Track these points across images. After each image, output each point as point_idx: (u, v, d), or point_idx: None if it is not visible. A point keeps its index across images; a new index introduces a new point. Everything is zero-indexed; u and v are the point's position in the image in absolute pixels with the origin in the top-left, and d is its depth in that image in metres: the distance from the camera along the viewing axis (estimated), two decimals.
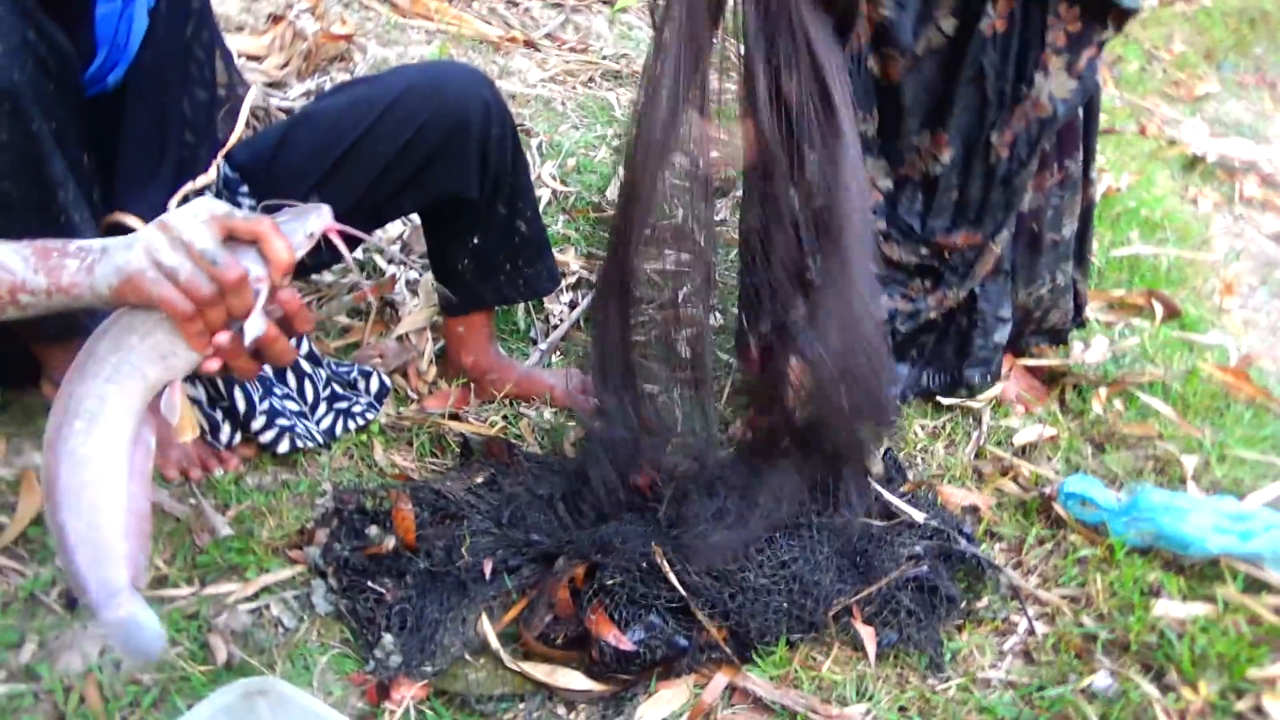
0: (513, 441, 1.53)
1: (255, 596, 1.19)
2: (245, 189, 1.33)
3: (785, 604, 1.19)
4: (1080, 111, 1.54)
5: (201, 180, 1.22)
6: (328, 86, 2.58)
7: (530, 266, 1.60)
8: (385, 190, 1.41)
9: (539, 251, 1.60)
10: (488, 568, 1.29)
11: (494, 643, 1.18)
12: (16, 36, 0.98)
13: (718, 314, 1.55)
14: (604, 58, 3.58)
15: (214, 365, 0.86)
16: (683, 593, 1.17)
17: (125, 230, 1.06)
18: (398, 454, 1.50)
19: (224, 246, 0.82)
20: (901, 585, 1.23)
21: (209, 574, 1.20)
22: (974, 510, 1.42)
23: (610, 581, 1.20)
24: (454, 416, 1.60)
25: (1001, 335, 1.65)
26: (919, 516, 1.32)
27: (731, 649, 1.17)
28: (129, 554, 0.78)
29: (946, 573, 1.27)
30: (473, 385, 1.69)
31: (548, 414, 1.68)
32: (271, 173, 1.33)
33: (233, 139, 1.29)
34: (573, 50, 3.66)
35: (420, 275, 1.94)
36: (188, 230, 0.81)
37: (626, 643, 1.14)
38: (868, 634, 1.18)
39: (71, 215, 1.05)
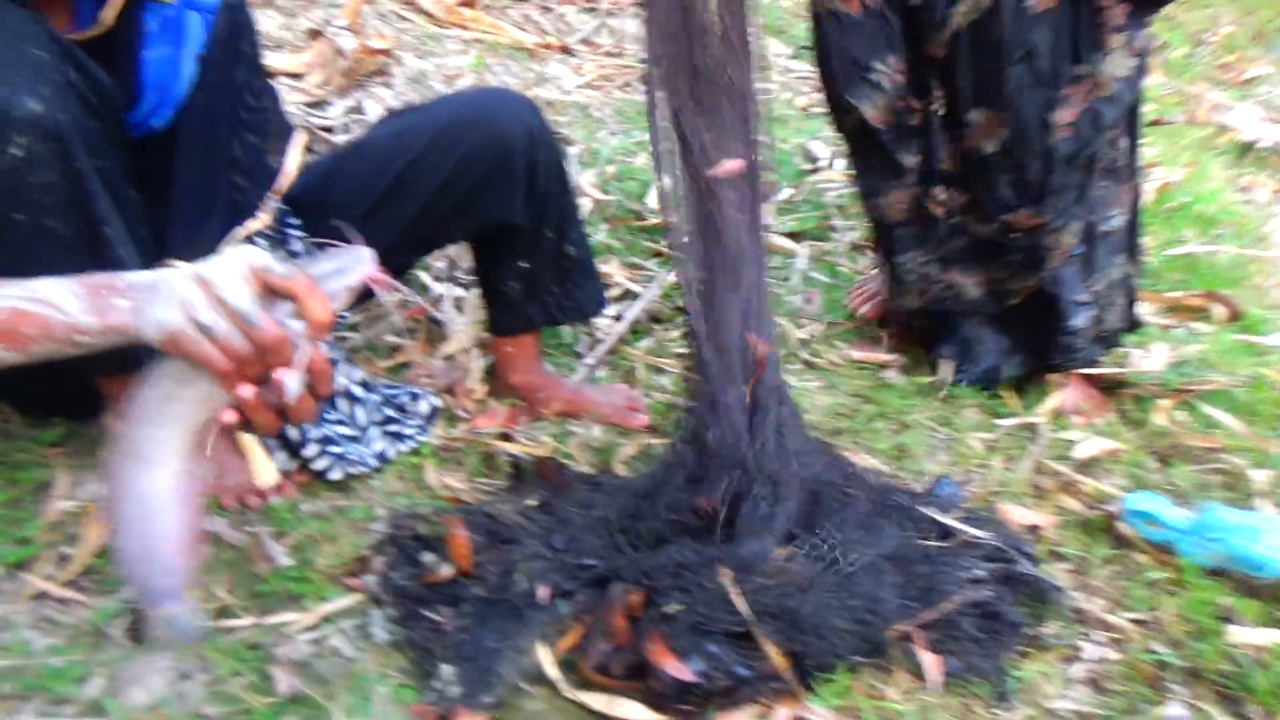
0: (563, 462, 1.53)
1: (315, 626, 1.20)
2: (295, 220, 1.34)
3: (848, 625, 1.17)
4: None
5: (254, 224, 1.23)
6: (366, 103, 2.60)
7: (579, 289, 1.60)
8: (433, 220, 1.41)
9: (586, 274, 1.60)
10: (541, 593, 1.28)
11: (552, 672, 1.17)
12: (60, 77, 0.99)
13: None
14: (640, 62, 3.58)
15: (230, 417, 0.85)
16: (747, 618, 1.16)
17: None
18: (449, 475, 1.51)
19: (262, 303, 0.81)
20: (964, 610, 1.20)
21: (268, 603, 1.21)
22: (1035, 529, 1.39)
23: (668, 609, 1.19)
24: (504, 436, 1.60)
25: (1081, 319, 1.64)
26: (979, 536, 1.29)
27: (793, 677, 1.15)
28: (177, 567, 0.86)
29: (1010, 596, 1.24)
30: (522, 403, 1.69)
31: (597, 431, 1.67)
32: (321, 204, 1.33)
33: (283, 181, 1.30)
34: (608, 55, 3.65)
35: (465, 293, 1.94)
36: (225, 286, 0.80)
37: (687, 673, 1.13)
38: (932, 662, 1.16)
39: (117, 251, 1.06)
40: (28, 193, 0.97)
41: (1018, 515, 1.40)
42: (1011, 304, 1.69)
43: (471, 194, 1.39)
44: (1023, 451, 1.57)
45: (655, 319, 2.04)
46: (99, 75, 1.03)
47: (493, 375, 1.74)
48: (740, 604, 1.17)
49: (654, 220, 2.40)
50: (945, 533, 1.33)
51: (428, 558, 1.28)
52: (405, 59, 2.78)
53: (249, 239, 1.24)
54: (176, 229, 1.18)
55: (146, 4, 1.13)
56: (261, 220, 1.24)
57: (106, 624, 1.14)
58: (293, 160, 1.31)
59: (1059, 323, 1.65)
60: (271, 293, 0.82)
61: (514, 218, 1.44)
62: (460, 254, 2.04)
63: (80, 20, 1.09)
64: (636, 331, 1.99)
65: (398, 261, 1.50)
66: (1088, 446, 1.54)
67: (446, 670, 1.15)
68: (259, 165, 1.26)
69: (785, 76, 3.60)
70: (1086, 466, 1.53)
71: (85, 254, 1.04)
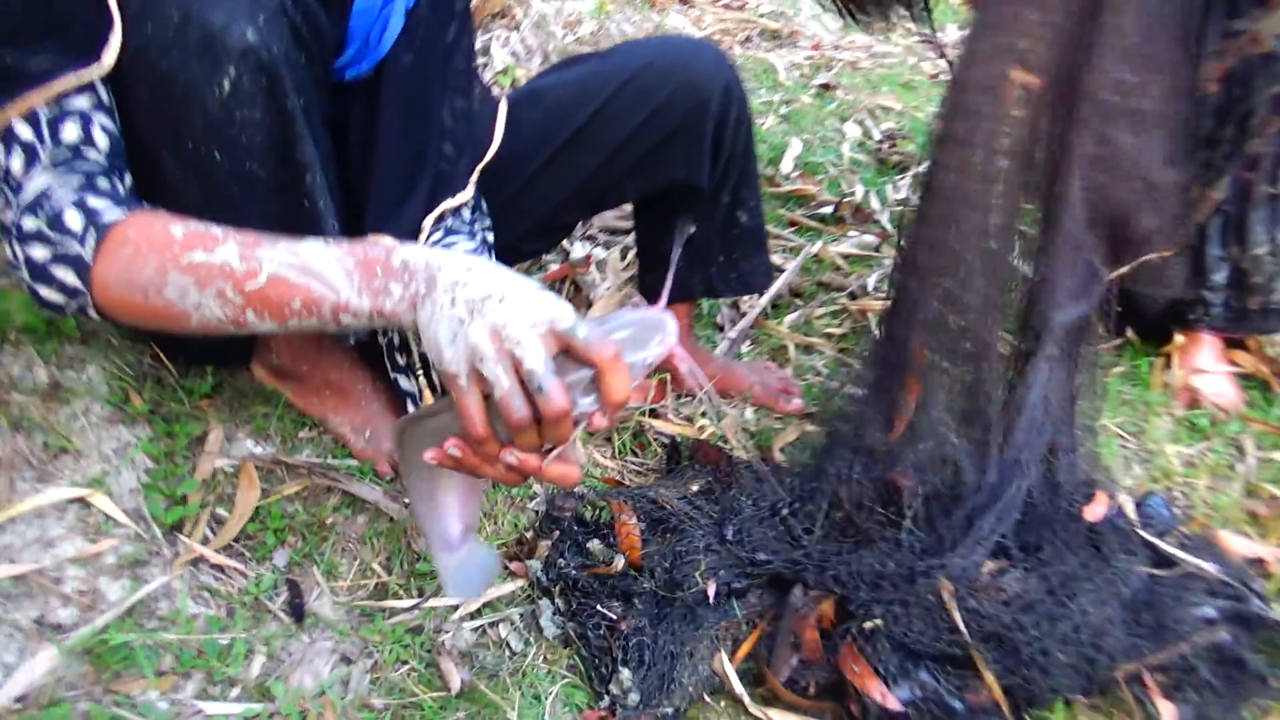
0: (722, 447, 1.42)
1: (479, 613, 1.11)
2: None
3: (1072, 658, 1.05)
4: None
5: (460, 198, 1.11)
6: (493, 45, 2.48)
7: (746, 260, 1.47)
8: (610, 176, 1.29)
9: (757, 245, 1.47)
10: (711, 590, 1.18)
11: (736, 685, 1.07)
12: (273, 3, 0.88)
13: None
14: (761, 16, 3.40)
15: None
16: (968, 641, 1.04)
17: None
18: (598, 452, 1.41)
19: (554, 367, 0.70)
20: (1201, 653, 1.07)
21: (427, 584, 1.12)
22: (1259, 562, 1.25)
23: (869, 623, 1.08)
24: (652, 413, 1.49)
25: (1220, 276, 1.59)
26: (1209, 569, 1.16)
27: (1009, 712, 1.04)
28: (462, 515, 0.83)
29: (1246, 640, 1.11)
30: (668, 378, 1.58)
31: (750, 414, 1.55)
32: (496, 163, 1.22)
33: (490, 152, 1.18)
34: (728, 8, 3.48)
35: (606, 253, 1.83)
36: (521, 343, 0.69)
37: (894, 702, 1.02)
38: (1167, 710, 1.04)
39: (317, 201, 0.95)
40: (231, 130, 0.87)
41: (1238, 545, 1.26)
42: None
43: (657, 150, 1.27)
44: (1228, 470, 1.42)
45: (795, 293, 1.91)
46: (313, 6, 0.91)
47: None
48: (960, 624, 1.05)
49: (790, 187, 2.27)
50: (1160, 559, 1.20)
51: (594, 545, 1.18)
52: (531, 3, 2.65)
53: (453, 213, 1.13)
54: (377, 197, 1.06)
55: None
56: (466, 194, 1.13)
57: (266, 595, 1.06)
58: (500, 130, 1.19)
59: (1197, 276, 1.59)
60: (567, 355, 0.72)
61: (696, 178, 1.31)
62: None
63: None
64: (776, 306, 1.86)
65: (563, 221, 1.39)
66: None
67: (625, 675, 1.05)
68: (467, 134, 1.13)
69: (909, 40, 3.41)
70: None
71: (284, 202, 0.94)
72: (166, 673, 0.95)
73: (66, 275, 0.80)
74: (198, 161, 0.91)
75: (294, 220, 0.94)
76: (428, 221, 1.08)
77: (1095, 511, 1.18)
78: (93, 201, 0.81)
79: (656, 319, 0.78)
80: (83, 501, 1.01)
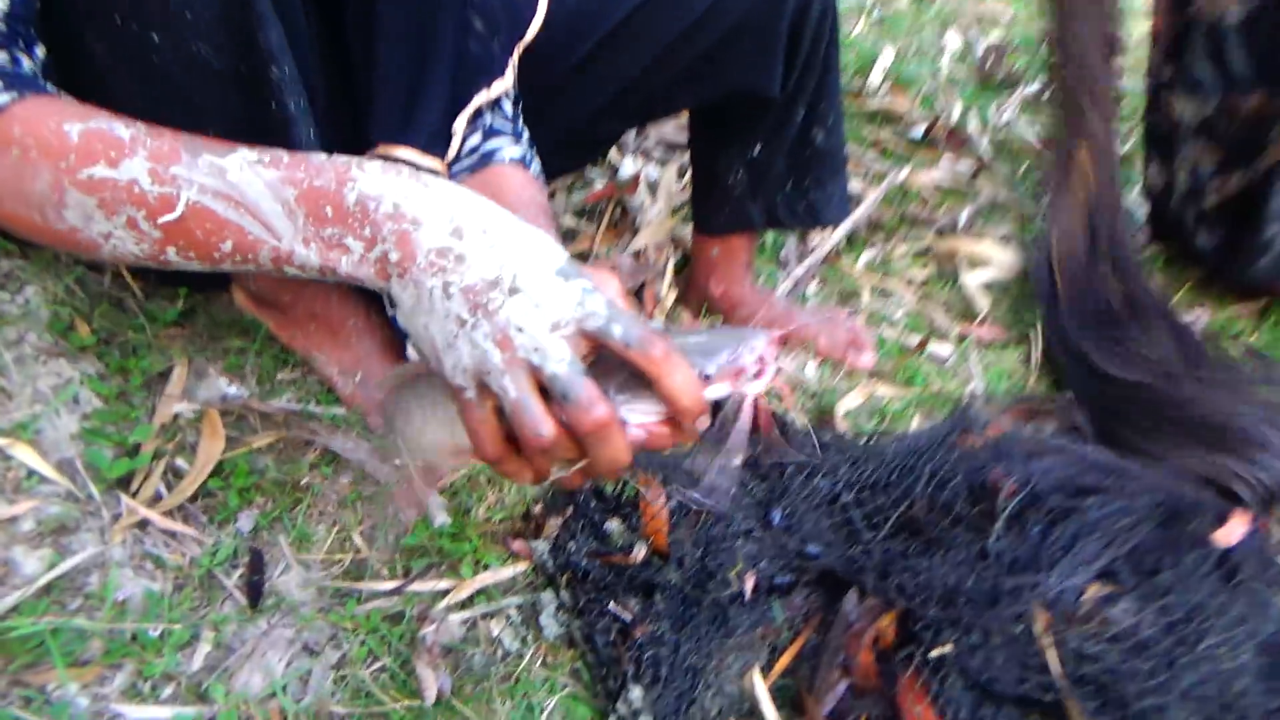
0: (775, 410, 1.21)
1: (470, 602, 0.94)
2: None
3: (1194, 716, 0.84)
4: None
5: (499, 86, 0.89)
6: None
7: (819, 188, 1.24)
8: (661, 80, 1.06)
9: (834, 170, 1.23)
10: (749, 584, 0.99)
11: (769, 712, 0.89)
12: None
13: None
14: None
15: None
16: (1061, 687, 0.84)
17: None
18: None
19: (590, 371, 0.54)
20: None
21: (414, 560, 0.96)
22: None
23: (937, 650, 0.88)
24: None
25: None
26: None
27: None
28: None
29: None
30: (720, 320, 1.38)
31: (811, 370, 1.34)
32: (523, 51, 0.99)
33: (532, 30, 0.95)
34: None
35: (660, 172, 1.61)
36: (540, 349, 0.52)
37: None
38: None
39: (285, 102, 0.75)
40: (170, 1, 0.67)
41: None
42: (1208, 207, 1.45)
43: (717, 50, 1.03)
44: None
45: (876, 227, 1.67)
46: None
47: (686, 279, 1.42)
48: (1054, 663, 0.85)
49: (876, 104, 1.99)
50: None
51: (613, 526, 1.00)
52: None
53: (492, 106, 0.90)
54: (382, 86, 0.83)
55: None
56: (505, 82, 0.90)
57: (221, 569, 0.90)
58: (544, 5, 0.97)
59: (1262, 226, 1.39)
60: (604, 357, 0.55)
61: (765, 87, 1.08)
62: (661, 123, 1.70)
63: None
64: (851, 242, 1.62)
65: (603, 133, 1.17)
66: None
67: (635, 694, 0.87)
68: (504, 5, 0.90)
69: None
70: None
71: (242, 99, 0.74)
72: (91, 662, 0.80)
73: None
74: (129, 42, 0.72)
75: (259, 127, 0.74)
76: (460, 122, 0.86)
77: (1231, 533, 0.95)
78: None
79: (745, 334, 0.59)
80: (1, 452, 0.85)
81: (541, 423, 0.53)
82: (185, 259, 0.59)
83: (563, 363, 0.52)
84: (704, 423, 0.60)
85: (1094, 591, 0.92)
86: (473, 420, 0.56)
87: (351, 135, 0.85)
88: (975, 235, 1.66)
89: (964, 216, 1.68)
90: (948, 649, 0.88)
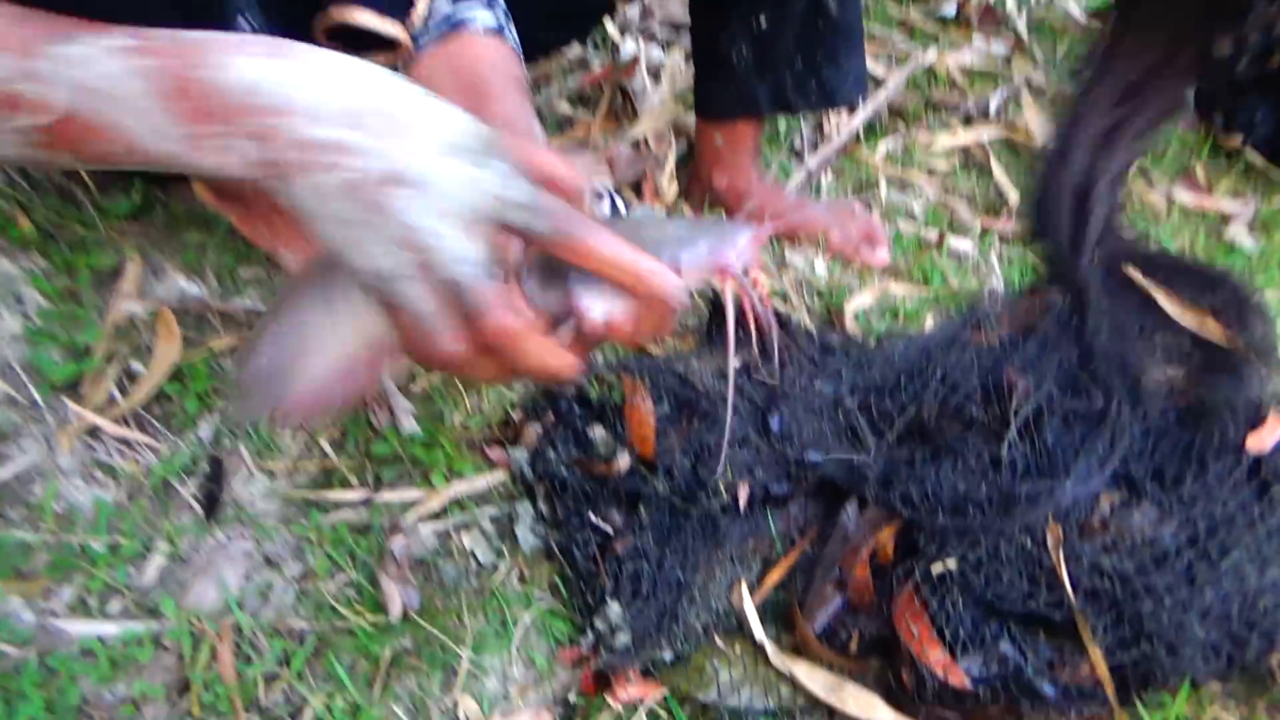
0: (780, 312, 1.13)
1: (442, 513, 0.89)
2: None
3: (1216, 635, 0.78)
4: None
5: None
6: None
7: (831, 64, 1.13)
8: None
9: (849, 44, 1.12)
10: (743, 494, 0.93)
11: (756, 629, 0.83)
12: None
13: None
14: None
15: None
16: (1073, 605, 0.78)
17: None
18: None
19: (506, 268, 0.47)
20: None
21: (384, 469, 0.90)
22: None
23: (939, 565, 0.82)
24: None
25: None
26: None
27: (1113, 697, 0.78)
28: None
29: None
30: (723, 213, 1.28)
31: (821, 266, 1.25)
32: None
33: None
34: None
35: (665, 55, 1.49)
36: (439, 243, 0.45)
37: (960, 676, 0.77)
38: None
39: None
40: None
41: None
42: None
43: None
44: None
45: (898, 114, 1.54)
46: None
47: (689, 171, 1.32)
48: (1064, 576, 0.78)
49: None
50: None
51: (597, 433, 0.94)
52: None
53: None
54: None
55: None
56: None
57: (177, 478, 0.85)
58: None
59: None
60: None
61: None
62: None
63: None
64: (870, 129, 1.51)
65: (587, 5, 1.06)
66: None
67: (614, 610, 0.82)
68: None
69: None
70: None
71: None
72: (35, 575, 0.76)
73: None
74: None
75: None
76: None
77: (1264, 439, 0.87)
78: None
79: (732, 228, 0.54)
80: None
81: (440, 337, 0.46)
82: (78, 162, 0.51)
83: (462, 264, 0.45)
84: (674, 314, 0.53)
85: (1110, 500, 0.84)
86: (397, 326, 0.49)
87: None
88: (1007, 124, 1.53)
89: (994, 102, 1.56)
90: (950, 563, 0.82)
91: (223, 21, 0.70)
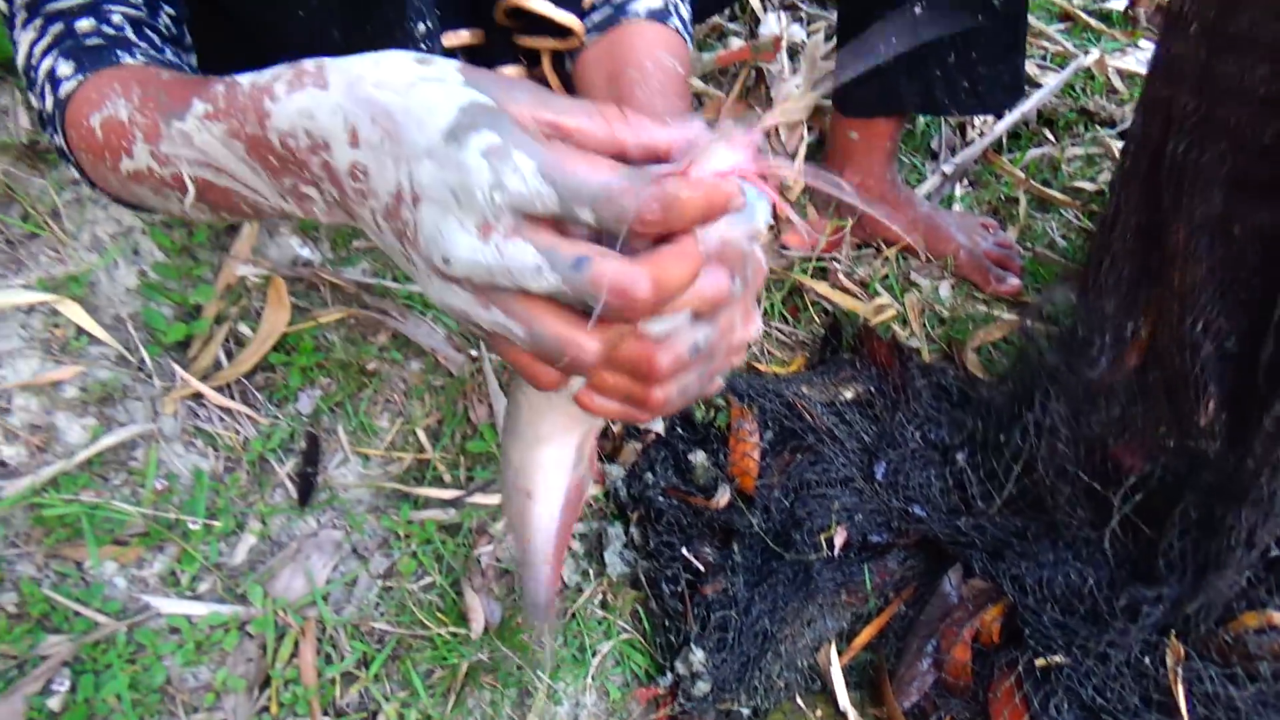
0: (897, 340, 1.07)
1: None
2: None
3: None
4: None
5: None
6: None
7: (987, 64, 1.04)
8: None
9: (1008, 45, 1.03)
10: (839, 539, 0.89)
11: (842, 699, 0.80)
12: None
13: None
14: None
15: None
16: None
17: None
18: None
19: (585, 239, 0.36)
20: None
21: (477, 468, 0.88)
22: None
23: (1045, 660, 0.77)
24: (820, 270, 1.14)
25: None
26: None
27: None
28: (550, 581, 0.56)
29: None
30: (851, 221, 1.21)
31: (946, 290, 1.18)
32: None
33: None
34: None
35: (806, 34, 1.40)
36: (488, 265, 0.35)
37: None
38: None
39: None
40: None
41: None
42: None
43: None
44: None
45: (1048, 121, 1.44)
46: None
47: (820, 165, 1.25)
48: (1181, 701, 0.73)
49: None
50: None
51: (699, 460, 0.90)
52: None
53: None
54: None
55: None
56: None
57: (274, 454, 0.84)
58: None
59: None
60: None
61: None
62: None
63: None
64: (1018, 137, 1.41)
65: None
66: None
67: (697, 656, 0.79)
68: None
69: None
70: None
71: None
72: (129, 543, 0.76)
73: (59, 140, 0.56)
74: None
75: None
76: None
77: None
78: (60, 67, 0.55)
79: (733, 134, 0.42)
80: (50, 307, 0.79)
81: (570, 345, 0.36)
82: (236, 218, 0.50)
83: (540, 271, 0.34)
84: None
85: (1254, 621, 0.78)
86: (516, 365, 0.39)
87: None
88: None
89: None
90: (1058, 660, 0.77)
91: (400, 23, 0.66)
